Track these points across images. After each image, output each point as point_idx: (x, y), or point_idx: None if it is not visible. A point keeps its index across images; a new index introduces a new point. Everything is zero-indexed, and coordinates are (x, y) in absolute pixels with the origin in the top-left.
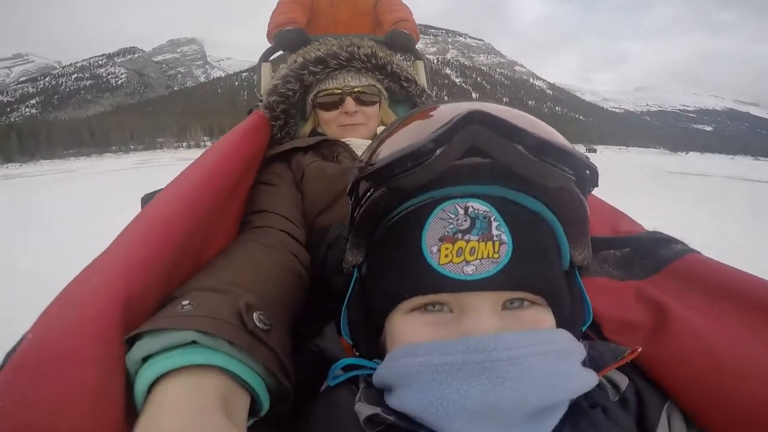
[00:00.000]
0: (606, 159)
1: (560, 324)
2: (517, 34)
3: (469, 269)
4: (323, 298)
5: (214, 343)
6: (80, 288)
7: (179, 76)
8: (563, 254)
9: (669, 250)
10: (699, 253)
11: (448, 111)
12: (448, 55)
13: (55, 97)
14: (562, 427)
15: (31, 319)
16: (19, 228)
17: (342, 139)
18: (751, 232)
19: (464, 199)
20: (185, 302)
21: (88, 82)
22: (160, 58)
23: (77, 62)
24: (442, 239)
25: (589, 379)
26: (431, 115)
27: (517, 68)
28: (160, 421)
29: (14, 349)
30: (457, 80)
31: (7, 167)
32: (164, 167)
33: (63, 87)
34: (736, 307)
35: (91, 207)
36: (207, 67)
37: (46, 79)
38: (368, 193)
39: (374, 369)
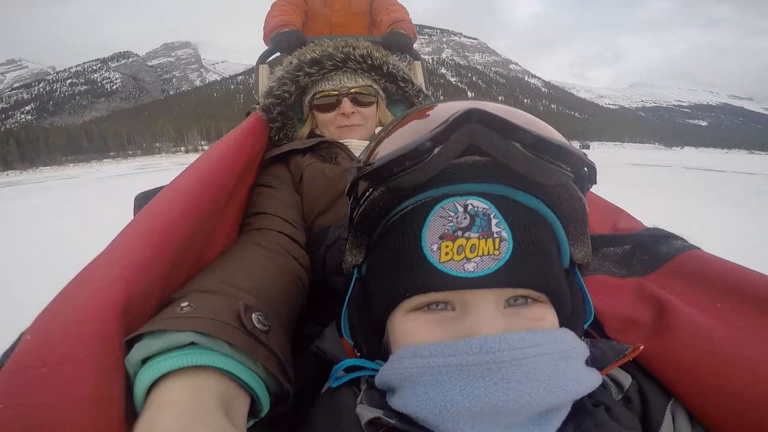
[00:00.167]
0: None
1: (562, 322)
2: (511, 32)
3: (470, 266)
4: (324, 300)
5: (214, 344)
6: (79, 289)
7: (174, 80)
8: (563, 252)
9: (669, 246)
10: (699, 249)
11: (445, 110)
12: (443, 55)
13: (51, 102)
14: (566, 427)
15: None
16: (37, 231)
17: (340, 141)
18: (678, 210)
19: (463, 196)
20: (184, 304)
21: (83, 88)
22: (154, 62)
23: (71, 67)
24: (442, 237)
25: (594, 380)
26: (428, 115)
27: (511, 66)
28: (159, 421)
29: (11, 349)
30: (452, 80)
31: (7, 175)
32: (164, 172)
33: (58, 92)
34: (738, 303)
35: (103, 209)
36: (202, 70)
37: (41, 85)
38: (367, 193)
39: (376, 370)
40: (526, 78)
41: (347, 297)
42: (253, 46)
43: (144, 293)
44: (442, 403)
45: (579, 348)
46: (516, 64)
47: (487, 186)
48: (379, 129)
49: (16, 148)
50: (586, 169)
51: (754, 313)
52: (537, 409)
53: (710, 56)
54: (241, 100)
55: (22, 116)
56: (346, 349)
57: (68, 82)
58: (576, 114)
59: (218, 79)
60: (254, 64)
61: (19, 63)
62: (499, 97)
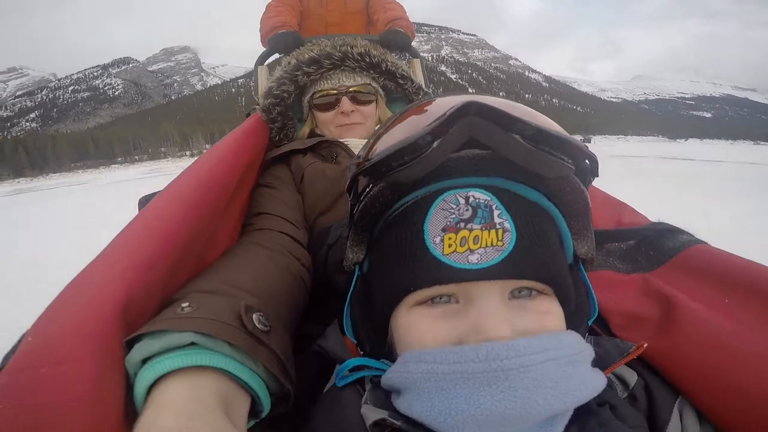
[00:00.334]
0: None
1: (566, 318)
2: (510, 28)
3: (473, 258)
4: (326, 299)
5: (214, 344)
6: (79, 290)
7: (176, 84)
8: (566, 246)
9: (675, 241)
10: (706, 243)
11: (443, 104)
12: (443, 52)
13: (54, 110)
14: (570, 428)
15: None
16: (57, 235)
17: (340, 140)
18: (635, 191)
19: (464, 189)
20: (185, 304)
21: (85, 94)
22: (155, 67)
23: (72, 74)
24: (444, 229)
25: (600, 383)
26: (426, 110)
27: (511, 62)
28: (159, 421)
29: (13, 350)
30: (452, 77)
31: (18, 182)
32: (172, 176)
33: (61, 100)
34: (746, 298)
35: (117, 209)
36: (203, 74)
37: (43, 93)
38: (367, 189)
39: (381, 369)
40: (526, 73)
41: (349, 294)
42: (253, 49)
43: (144, 294)
44: (446, 411)
45: (585, 351)
46: (516, 59)
47: (487, 179)
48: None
49: (25, 156)
50: (587, 161)
51: (762, 308)
52: (544, 415)
53: (712, 47)
54: (243, 103)
55: (27, 124)
56: (348, 347)
57: (70, 89)
58: (578, 108)
59: (219, 82)
60: (253, 67)
61: (20, 71)
62: (500, 93)
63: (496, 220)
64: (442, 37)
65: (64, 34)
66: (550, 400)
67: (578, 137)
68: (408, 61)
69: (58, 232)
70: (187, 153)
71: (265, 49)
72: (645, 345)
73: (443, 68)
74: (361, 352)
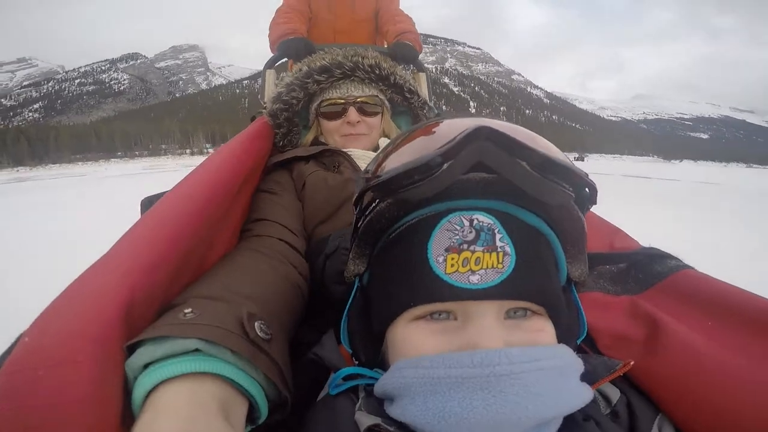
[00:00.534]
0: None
1: (558, 335)
2: (514, 42)
3: (474, 278)
4: (321, 308)
5: (217, 351)
6: (81, 291)
7: (181, 82)
8: (561, 269)
9: (664, 265)
10: (693, 268)
11: (454, 126)
12: (447, 65)
13: (59, 101)
14: None
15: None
16: (52, 223)
17: (344, 149)
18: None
19: (469, 211)
20: (187, 310)
21: (91, 87)
22: (162, 64)
23: (80, 67)
24: (448, 249)
25: (587, 395)
26: (436, 131)
27: (514, 77)
28: (158, 425)
29: (9, 351)
30: (455, 89)
31: (17, 170)
32: (171, 173)
33: (66, 92)
34: (729, 322)
35: (115, 205)
36: (208, 74)
37: (50, 84)
38: (374, 204)
39: (374, 378)
40: (528, 89)
41: (347, 306)
42: (260, 52)
43: (147, 297)
44: (440, 414)
45: (575, 364)
46: (519, 74)
47: (491, 202)
48: (382, 139)
49: (27, 146)
50: (587, 189)
51: (744, 333)
52: (533, 422)
53: (712, 68)
54: (246, 105)
55: (30, 114)
56: (344, 356)
57: (77, 81)
58: (577, 126)
59: (224, 83)
60: (260, 69)
61: (29, 61)
62: (501, 108)
63: (498, 243)
64: (448, 49)
65: (76, 27)
66: (540, 407)
67: (573, 155)
68: (412, 74)
69: (43, 225)
70: (188, 151)
71: (273, 54)
72: (632, 363)
73: (446, 80)
74: (356, 362)
